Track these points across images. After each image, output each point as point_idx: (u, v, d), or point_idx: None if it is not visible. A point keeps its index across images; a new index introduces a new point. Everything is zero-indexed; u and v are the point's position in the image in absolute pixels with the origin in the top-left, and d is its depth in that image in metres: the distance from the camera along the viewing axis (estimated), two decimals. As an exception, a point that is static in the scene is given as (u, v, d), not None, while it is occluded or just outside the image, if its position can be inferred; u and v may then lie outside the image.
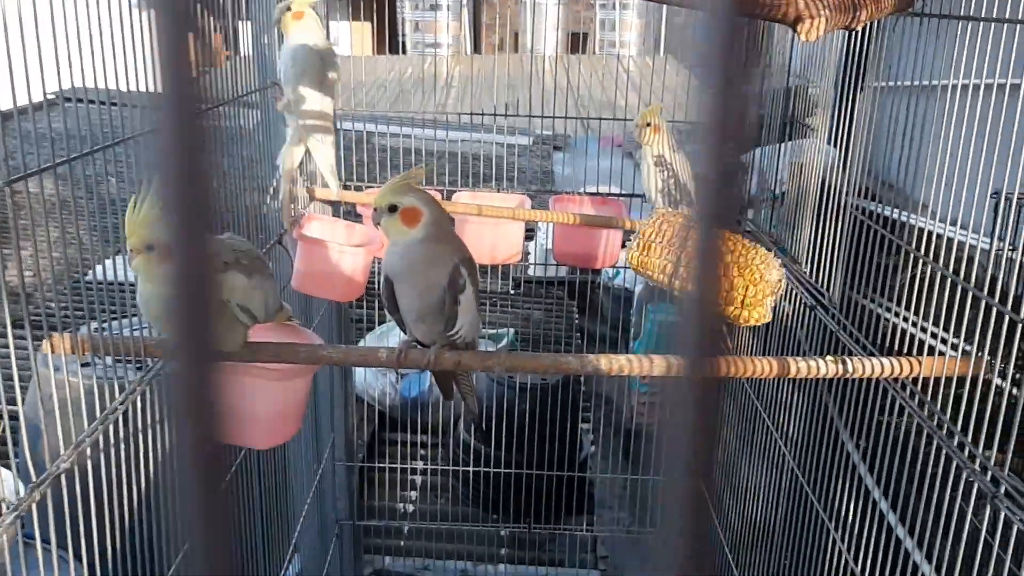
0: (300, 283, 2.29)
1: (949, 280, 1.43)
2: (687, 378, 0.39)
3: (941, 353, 1.49)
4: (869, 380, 1.63)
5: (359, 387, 3.98)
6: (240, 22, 2.12)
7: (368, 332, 4.13)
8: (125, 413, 1.42)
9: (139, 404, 1.45)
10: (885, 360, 1.42)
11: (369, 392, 4.06)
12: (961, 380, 1.35)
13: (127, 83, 1.44)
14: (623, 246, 2.86)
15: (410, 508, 3.69)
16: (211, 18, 1.94)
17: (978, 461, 1.27)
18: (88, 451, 1.33)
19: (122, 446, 1.41)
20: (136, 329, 1.54)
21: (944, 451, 1.34)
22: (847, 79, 1.93)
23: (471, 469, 3.53)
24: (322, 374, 2.96)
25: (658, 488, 3.53)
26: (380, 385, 4.05)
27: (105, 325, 1.48)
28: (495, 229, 2.56)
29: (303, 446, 2.71)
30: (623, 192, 3.10)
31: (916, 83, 1.57)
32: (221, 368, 0.37)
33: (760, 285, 1.59)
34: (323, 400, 3.01)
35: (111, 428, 1.38)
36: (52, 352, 1.38)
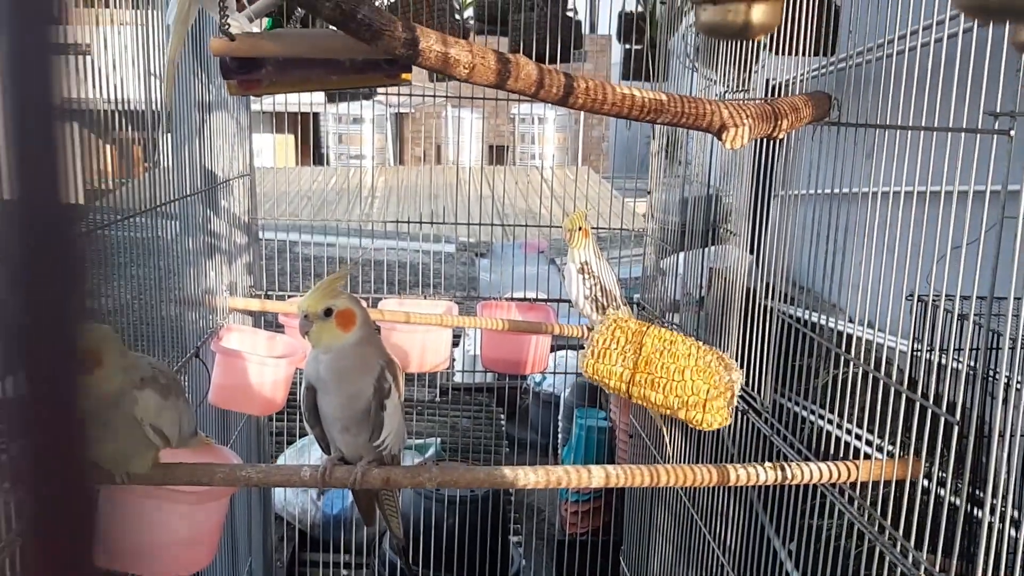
0: (218, 397, 2.19)
1: (881, 384, 1.44)
2: None
3: (867, 456, 1.49)
4: (803, 484, 1.62)
5: (278, 505, 3.80)
6: (160, 134, 2.09)
7: (288, 446, 3.97)
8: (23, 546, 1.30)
9: (8, 566, 1.33)
10: (823, 465, 1.41)
11: (289, 510, 3.88)
12: (899, 484, 1.35)
13: None
14: (552, 351, 2.85)
15: (333, 634, 3.48)
16: (131, 130, 1.90)
17: (923, 568, 1.25)
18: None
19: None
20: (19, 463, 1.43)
21: (888, 558, 1.32)
22: (761, 187, 1.99)
23: (398, 589, 3.37)
24: (239, 492, 2.81)
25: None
26: (301, 502, 3.88)
27: None
28: (424, 336, 2.52)
29: (218, 570, 2.54)
30: (549, 298, 3.11)
31: (827, 191, 1.62)
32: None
33: (719, 387, 1.58)
34: (240, 519, 2.85)
35: (7, 562, 1.26)
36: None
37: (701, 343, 1.65)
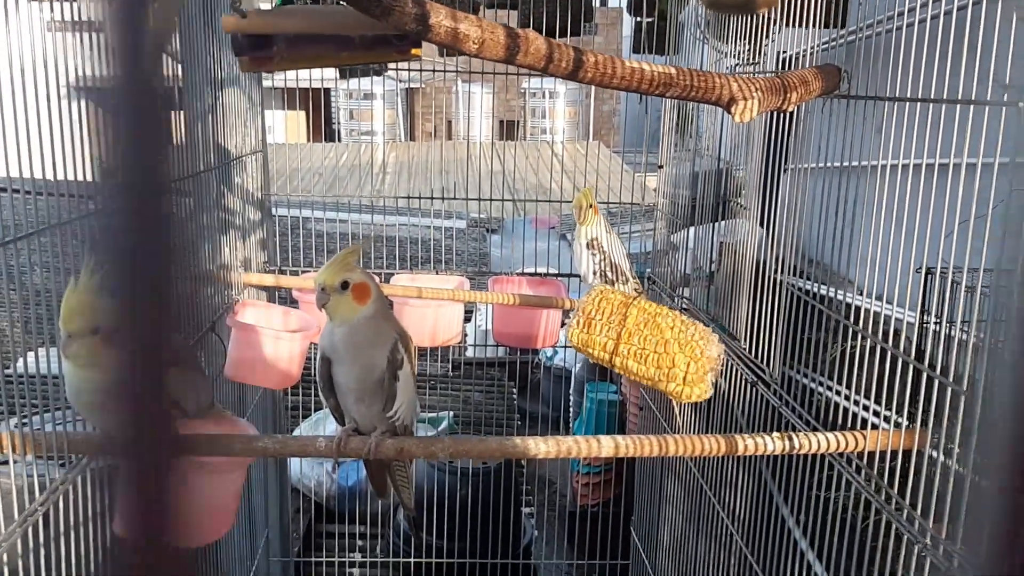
0: (234, 371, 2.22)
1: (889, 355, 1.46)
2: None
3: (875, 427, 1.51)
4: (812, 455, 1.64)
5: (295, 477, 3.85)
6: (173, 112, 2.10)
7: (303, 419, 4.02)
8: (46, 514, 1.33)
9: (62, 504, 1.37)
10: (830, 435, 1.43)
11: (305, 482, 3.93)
12: (906, 454, 1.36)
13: (54, 173, 1.40)
14: (563, 326, 2.87)
15: (348, 604, 3.54)
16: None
17: (929, 535, 1.27)
18: (5, 557, 1.24)
19: (42, 551, 1.32)
20: (59, 424, 1.46)
21: (894, 526, 1.34)
22: (772, 161, 2.00)
23: (411, 560, 3.42)
24: (256, 465, 2.85)
25: (607, 567, 3.46)
26: (316, 475, 3.93)
27: (26, 420, 1.40)
28: (435, 311, 2.54)
29: (236, 541, 2.58)
30: (560, 272, 3.12)
31: (839, 164, 1.62)
32: (182, 464, 0.34)
33: (700, 361, 1.59)
34: (257, 492, 2.89)
35: (30, 530, 1.30)
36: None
37: (685, 317, 1.67)
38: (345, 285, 1.44)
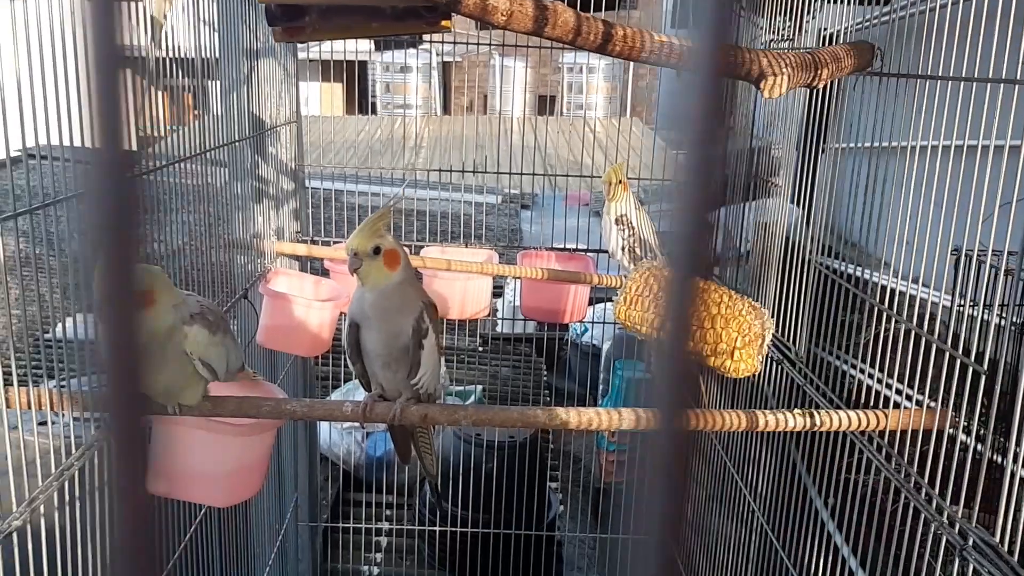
0: (266, 338, 2.26)
1: (912, 335, 1.45)
2: (661, 430, 0.38)
3: (897, 406, 1.50)
4: (837, 435, 1.64)
5: (324, 446, 3.92)
6: (210, 81, 2.13)
7: (334, 390, 4.08)
8: (81, 469, 1.38)
9: (96, 460, 1.41)
10: (852, 413, 1.43)
11: (334, 451, 4.00)
12: (927, 435, 1.36)
13: (92, 141, 1.43)
14: (590, 302, 2.87)
15: (375, 571, 3.60)
16: (182, 77, 1.95)
17: (946, 514, 1.27)
18: (42, 509, 1.28)
19: (78, 504, 1.37)
20: (96, 387, 1.51)
21: (912, 504, 1.34)
22: (808, 140, 1.98)
23: (437, 529, 3.47)
24: (286, 432, 2.91)
25: (630, 542, 3.49)
26: (346, 444, 3.99)
27: (64, 384, 1.45)
28: (464, 284, 2.56)
29: (266, 505, 2.64)
30: (589, 248, 3.12)
31: (876, 144, 1.61)
32: (148, 422, 0.36)
33: (749, 335, 1.60)
34: (287, 459, 2.95)
35: (66, 485, 1.34)
36: (8, 407, 1.34)
37: (733, 292, 1.67)
38: (377, 250, 1.46)
